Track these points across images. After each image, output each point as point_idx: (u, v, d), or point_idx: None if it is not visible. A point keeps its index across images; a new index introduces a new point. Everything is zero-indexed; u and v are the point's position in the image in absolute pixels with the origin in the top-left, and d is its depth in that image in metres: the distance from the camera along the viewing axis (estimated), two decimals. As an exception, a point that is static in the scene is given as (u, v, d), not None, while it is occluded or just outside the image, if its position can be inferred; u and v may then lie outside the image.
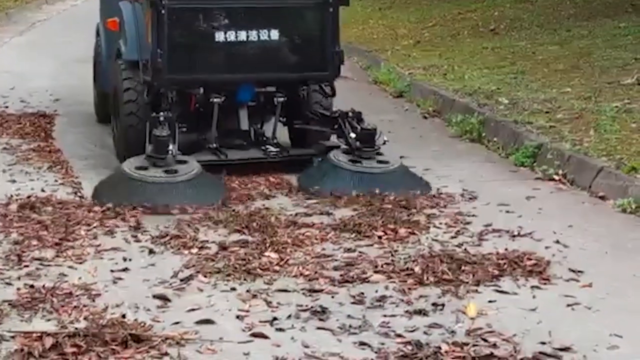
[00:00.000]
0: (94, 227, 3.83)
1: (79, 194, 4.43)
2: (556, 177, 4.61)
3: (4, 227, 3.79)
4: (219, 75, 4.62)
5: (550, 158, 4.80)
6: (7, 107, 6.75)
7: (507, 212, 4.11)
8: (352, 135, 4.49)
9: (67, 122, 6.41)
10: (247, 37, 4.43)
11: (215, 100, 4.43)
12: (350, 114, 4.62)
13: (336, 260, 3.37)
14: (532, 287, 3.06)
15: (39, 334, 2.47)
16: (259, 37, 4.45)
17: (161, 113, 4.23)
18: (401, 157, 4.77)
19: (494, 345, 2.47)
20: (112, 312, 2.73)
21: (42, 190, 4.45)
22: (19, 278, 3.10)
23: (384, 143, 4.56)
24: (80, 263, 3.36)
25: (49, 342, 2.40)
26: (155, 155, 4.06)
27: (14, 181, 4.68)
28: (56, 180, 4.72)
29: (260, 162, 4.66)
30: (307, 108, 4.87)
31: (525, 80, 6.97)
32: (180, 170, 4.03)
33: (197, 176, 4.06)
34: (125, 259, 3.43)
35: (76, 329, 2.53)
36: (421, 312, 2.78)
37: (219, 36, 4.43)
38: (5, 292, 2.91)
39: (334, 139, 4.85)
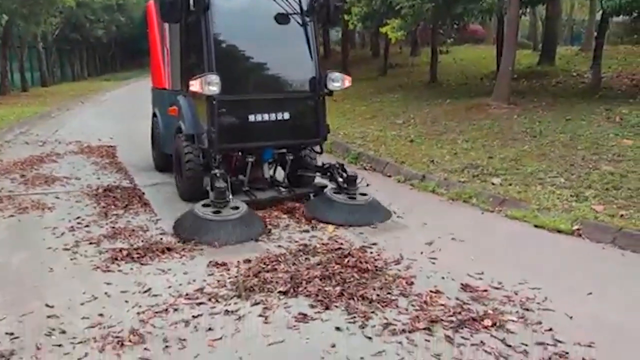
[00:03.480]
0: (145, 197, 6.53)
1: (133, 183, 7.38)
2: (367, 168, 8.42)
3: (97, 200, 6.56)
4: (252, 143, 6.00)
5: (364, 159, 8.83)
6: (91, 143, 10.73)
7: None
8: (340, 179, 6.03)
9: (123, 149, 10.03)
10: (269, 117, 5.93)
11: (249, 159, 6.00)
12: (337, 165, 6.24)
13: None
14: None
15: (119, 248, 4.94)
16: (276, 117, 5.95)
17: (216, 170, 5.57)
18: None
19: (341, 243, 4.83)
20: (155, 237, 5.21)
21: (114, 182, 7.42)
22: (106, 224, 5.67)
23: (367, 185, 6.19)
24: (137, 215, 5.92)
25: (124, 252, 4.86)
26: (216, 201, 5.30)
27: (99, 178, 7.83)
28: (120, 177, 7.82)
29: (277, 199, 6.19)
30: (305, 162, 6.56)
31: (350, 122, 11.92)
32: (233, 212, 5.24)
33: (246, 214, 5.25)
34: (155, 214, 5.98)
35: (138, 247, 4.99)
36: (307, 231, 5.20)
37: (252, 117, 5.89)
38: (100, 230, 5.46)
39: (318, 181, 6.59)
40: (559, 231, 5.29)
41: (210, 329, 3.54)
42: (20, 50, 24.64)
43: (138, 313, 3.74)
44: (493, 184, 6.69)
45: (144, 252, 4.84)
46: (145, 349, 3.31)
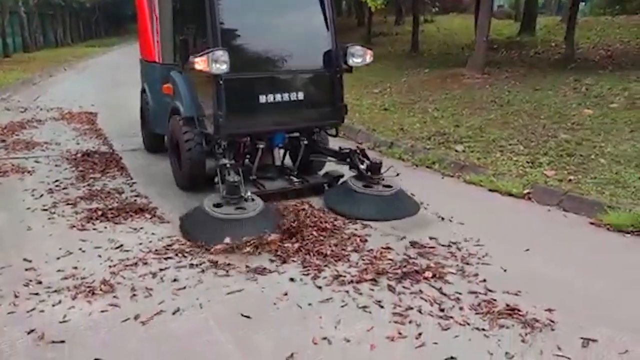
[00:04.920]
0: (122, 161, 6.80)
1: (111, 148, 7.64)
2: (341, 135, 6.79)
3: (76, 164, 6.80)
4: (263, 127, 5.38)
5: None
6: (72, 110, 10.88)
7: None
8: (362, 167, 5.39)
9: (104, 116, 10.12)
10: (282, 97, 5.23)
11: (260, 145, 5.43)
12: (357, 150, 5.60)
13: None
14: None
15: (95, 209, 5.23)
16: (289, 97, 5.26)
17: (226, 161, 4.96)
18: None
19: (304, 207, 5.15)
20: (130, 199, 5.50)
21: (93, 147, 7.65)
22: (83, 186, 5.95)
23: (397, 175, 5.46)
24: (114, 179, 6.19)
25: (99, 212, 5.14)
26: (229, 197, 4.65)
27: (78, 143, 8.03)
28: (99, 143, 8.03)
29: (288, 190, 5.56)
30: (318, 146, 5.89)
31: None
32: (248, 207, 4.60)
33: (263, 210, 4.64)
34: (131, 177, 6.22)
35: (112, 207, 5.28)
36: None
37: (263, 98, 5.17)
38: (77, 192, 5.73)
39: (332, 169, 5.89)
40: (511, 195, 5.65)
41: (175, 280, 3.87)
42: (2, 15, 24.32)
43: (110, 266, 4.06)
44: (456, 150, 7.01)
45: (118, 212, 5.13)
46: (114, 297, 3.63)
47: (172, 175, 6.03)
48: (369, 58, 5.55)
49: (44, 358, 2.99)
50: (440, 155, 6.85)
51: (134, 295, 3.65)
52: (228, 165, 4.88)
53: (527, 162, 6.36)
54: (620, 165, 5.96)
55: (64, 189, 5.85)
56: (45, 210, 5.23)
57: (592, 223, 4.94)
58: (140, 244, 4.47)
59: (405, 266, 4.05)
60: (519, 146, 6.93)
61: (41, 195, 5.64)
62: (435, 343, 3.13)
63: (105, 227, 4.81)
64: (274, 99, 5.22)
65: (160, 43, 6.52)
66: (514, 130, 7.55)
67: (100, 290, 3.69)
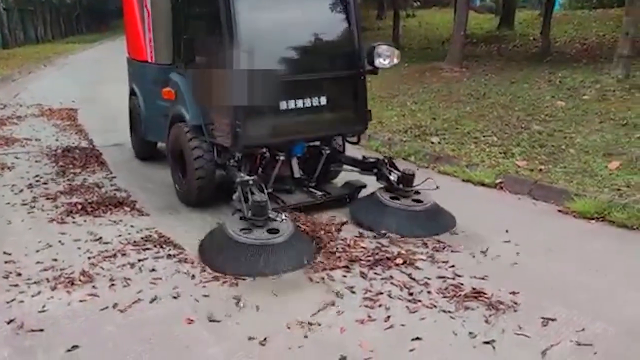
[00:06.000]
0: (102, 157, 6.83)
1: (91, 144, 7.66)
2: None
3: (56, 160, 6.84)
4: (284, 137, 4.91)
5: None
6: (53, 106, 10.85)
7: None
8: (392, 177, 4.93)
9: (84, 113, 10.11)
10: (304, 103, 4.75)
11: (280, 157, 4.96)
12: (384, 159, 5.13)
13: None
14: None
15: (75, 203, 5.29)
16: (312, 103, 4.78)
17: (247, 177, 4.42)
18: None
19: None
20: (109, 192, 5.57)
21: (73, 143, 7.66)
22: (63, 181, 6.00)
23: (437, 188, 4.92)
24: (94, 173, 6.25)
25: (79, 206, 5.21)
26: (255, 218, 4.10)
27: (58, 140, 8.02)
28: (79, 139, 8.03)
29: (310, 204, 5.06)
30: (338, 155, 5.47)
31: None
32: (281, 229, 4.08)
33: (295, 232, 4.15)
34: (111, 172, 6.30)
35: (92, 201, 5.35)
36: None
37: (284, 105, 4.66)
38: (57, 187, 5.78)
39: (354, 179, 5.42)
40: (484, 184, 5.81)
41: (153, 269, 3.97)
42: (-20, 11, 24.06)
43: (89, 258, 4.15)
44: (432, 142, 7.17)
45: (97, 206, 5.21)
46: (93, 287, 3.72)
47: (150, 169, 6.11)
48: (396, 59, 5.14)
49: (23, 346, 3.08)
50: (416, 148, 6.99)
51: (113, 285, 3.74)
52: (251, 182, 4.38)
53: (500, 153, 6.53)
54: (588, 155, 6.14)
55: (44, 184, 5.90)
56: (25, 204, 5.29)
57: (560, 211, 5.11)
58: (119, 236, 4.55)
59: (377, 254, 4.18)
60: (493, 137, 7.09)
61: (21, 191, 5.69)
62: (403, 325, 3.27)
63: (85, 221, 4.89)
64: (296, 104, 4.74)
65: (153, 41, 5.80)
66: (488, 122, 7.72)
67: (79, 280, 3.78)
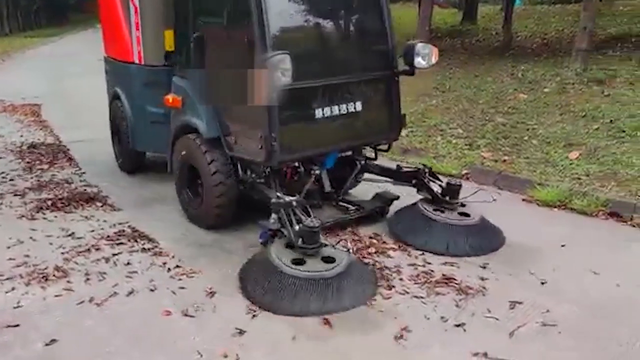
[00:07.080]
0: (69, 153, 6.73)
1: (57, 140, 7.55)
2: None
3: (22, 156, 6.77)
4: (319, 149, 4.41)
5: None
6: (14, 102, 10.72)
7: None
8: (436, 189, 4.58)
9: (48, 108, 10.05)
10: (339, 110, 4.29)
11: (315, 171, 4.54)
12: (424, 169, 4.73)
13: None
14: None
15: (44, 199, 5.23)
16: (347, 109, 4.32)
17: (287, 197, 3.93)
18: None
19: None
20: (80, 188, 5.52)
21: (39, 139, 7.56)
22: (31, 177, 5.92)
23: (494, 200, 4.71)
24: (63, 169, 6.17)
25: (49, 202, 5.16)
26: (306, 247, 3.61)
27: (22, 135, 7.90)
28: (45, 135, 7.94)
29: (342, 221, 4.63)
30: (371, 165, 5.02)
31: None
32: (338, 258, 3.57)
33: (353, 261, 3.66)
34: (80, 168, 6.21)
35: (62, 197, 5.30)
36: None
37: (319, 113, 4.19)
38: (25, 183, 5.70)
39: (384, 191, 5.00)
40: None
41: (128, 263, 3.98)
42: None
43: (62, 253, 4.13)
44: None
45: (68, 202, 5.17)
46: (68, 281, 3.71)
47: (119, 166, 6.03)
48: (434, 58, 4.62)
49: (-1, 341, 3.07)
50: (385, 141, 7.11)
51: (88, 279, 3.75)
52: (294, 204, 3.86)
53: (466, 145, 6.71)
54: (550, 146, 6.38)
55: (10, 180, 5.81)
56: (-8, 201, 5.22)
57: (524, 199, 5.31)
58: (92, 231, 4.54)
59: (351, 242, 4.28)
60: (459, 130, 7.28)
61: (-14, 188, 5.60)
62: (381, 311, 3.37)
63: (56, 217, 4.85)
64: (332, 112, 4.26)
65: (142, 40, 5.24)
66: (454, 115, 7.91)
67: (54, 276, 3.77)
